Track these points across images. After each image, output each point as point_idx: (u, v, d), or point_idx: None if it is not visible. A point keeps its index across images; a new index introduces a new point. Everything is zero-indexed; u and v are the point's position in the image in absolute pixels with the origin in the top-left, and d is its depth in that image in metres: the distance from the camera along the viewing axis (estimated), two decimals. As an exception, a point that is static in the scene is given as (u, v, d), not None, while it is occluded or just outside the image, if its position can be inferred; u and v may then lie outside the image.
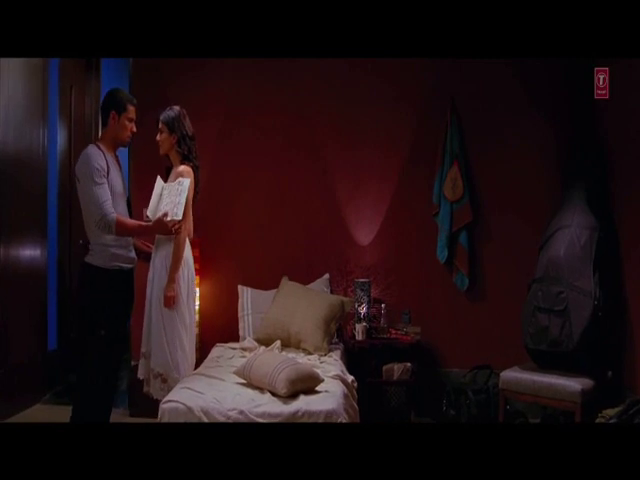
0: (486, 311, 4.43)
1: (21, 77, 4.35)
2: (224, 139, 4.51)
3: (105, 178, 3.24)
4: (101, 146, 3.33)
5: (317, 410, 2.86)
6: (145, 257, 3.65)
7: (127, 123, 3.37)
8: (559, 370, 3.64)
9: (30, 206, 4.49)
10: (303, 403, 2.92)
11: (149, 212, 3.47)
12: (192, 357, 3.56)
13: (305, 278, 4.35)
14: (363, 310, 4.21)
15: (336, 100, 4.51)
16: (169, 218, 3.35)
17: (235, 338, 4.23)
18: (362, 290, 4.24)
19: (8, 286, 4.16)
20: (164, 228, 3.36)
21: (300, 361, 3.41)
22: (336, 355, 3.85)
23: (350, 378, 3.46)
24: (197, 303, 4.18)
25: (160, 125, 3.54)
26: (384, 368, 4.13)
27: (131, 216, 3.48)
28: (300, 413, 2.85)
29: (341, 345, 4.19)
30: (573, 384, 3.48)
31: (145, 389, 3.49)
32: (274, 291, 4.28)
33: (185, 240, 3.49)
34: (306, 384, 3.06)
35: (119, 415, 4.14)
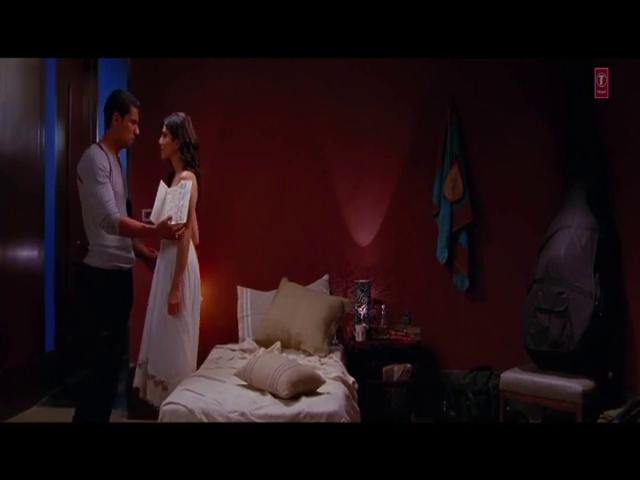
0: (486, 312, 4.42)
1: (18, 77, 4.34)
2: (223, 139, 4.50)
3: (108, 178, 3.22)
4: (104, 147, 3.32)
5: (319, 412, 2.85)
6: (150, 263, 3.64)
7: (130, 125, 3.35)
8: (560, 371, 3.63)
9: (27, 206, 4.47)
10: (305, 405, 2.91)
11: (152, 217, 3.47)
12: (193, 365, 3.54)
13: (304, 279, 4.34)
14: (363, 311, 4.20)
15: (335, 100, 4.50)
16: (173, 222, 3.34)
17: (234, 339, 4.22)
18: (362, 291, 4.23)
19: (5, 287, 4.14)
20: (168, 232, 3.36)
21: (301, 362, 3.39)
22: (336, 356, 3.84)
23: (351, 379, 3.45)
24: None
25: (164, 129, 3.54)
26: (384, 369, 4.12)
27: (131, 218, 3.46)
28: (302, 415, 2.84)
29: (341, 346, 4.19)
30: (574, 385, 3.47)
31: (141, 396, 3.47)
32: (273, 292, 4.27)
33: (189, 245, 3.49)
34: (308, 386, 3.05)
35: (117, 416, 4.13)
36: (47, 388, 4.70)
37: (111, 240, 3.27)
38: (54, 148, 4.94)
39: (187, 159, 3.54)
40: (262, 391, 3.07)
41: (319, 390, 3.09)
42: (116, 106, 3.33)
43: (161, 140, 3.56)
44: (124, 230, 3.25)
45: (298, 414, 2.84)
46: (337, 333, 4.21)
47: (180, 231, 3.38)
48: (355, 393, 3.39)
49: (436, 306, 4.47)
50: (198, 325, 3.65)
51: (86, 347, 3.37)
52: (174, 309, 3.38)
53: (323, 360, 3.73)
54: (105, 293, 3.28)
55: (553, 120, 4.39)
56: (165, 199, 3.48)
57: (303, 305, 4.02)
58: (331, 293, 4.40)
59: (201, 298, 3.69)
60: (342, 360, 3.82)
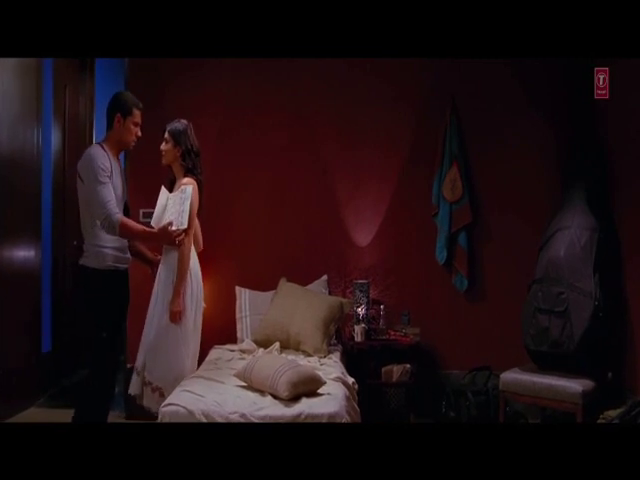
0: (485, 312, 4.42)
1: (15, 76, 4.32)
2: (223, 139, 4.49)
3: (109, 178, 3.21)
4: (105, 147, 3.30)
5: (320, 413, 2.83)
6: (153, 267, 3.63)
7: (132, 127, 3.33)
8: (560, 371, 3.63)
9: (24, 206, 4.45)
10: (305, 406, 2.89)
11: (153, 222, 3.45)
12: (193, 372, 3.52)
13: (303, 279, 4.33)
14: (362, 311, 4.19)
15: (335, 100, 4.50)
16: (174, 227, 3.32)
17: (233, 340, 4.20)
18: (361, 291, 4.22)
19: (2, 287, 4.13)
20: (168, 237, 3.34)
21: (301, 363, 3.38)
22: (335, 357, 3.83)
23: (351, 380, 3.44)
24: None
25: (166, 135, 3.53)
26: (383, 370, 4.11)
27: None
28: (303, 416, 2.82)
29: (340, 347, 4.18)
30: (574, 385, 3.47)
31: (138, 402, 3.45)
32: (272, 292, 4.26)
33: (190, 252, 3.46)
34: (308, 387, 3.03)
35: (115, 418, 4.10)
36: (44, 389, 4.68)
37: (107, 240, 3.25)
38: (51, 148, 4.91)
39: (188, 166, 3.53)
40: (262, 392, 3.06)
41: (319, 391, 3.07)
42: (118, 107, 3.32)
43: (163, 146, 3.55)
44: (124, 231, 3.23)
45: (299, 415, 2.83)
46: (336, 333, 4.20)
47: (180, 237, 3.36)
48: (355, 394, 3.39)
49: (435, 306, 4.46)
50: (200, 332, 3.63)
51: (83, 348, 3.36)
52: (176, 317, 3.36)
53: (322, 361, 3.72)
54: (101, 294, 3.26)
55: (553, 120, 4.39)
56: (166, 205, 3.46)
57: (302, 305, 4.01)
58: (330, 293, 4.39)
59: (204, 304, 3.66)
60: (341, 360, 3.82)
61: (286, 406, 2.90)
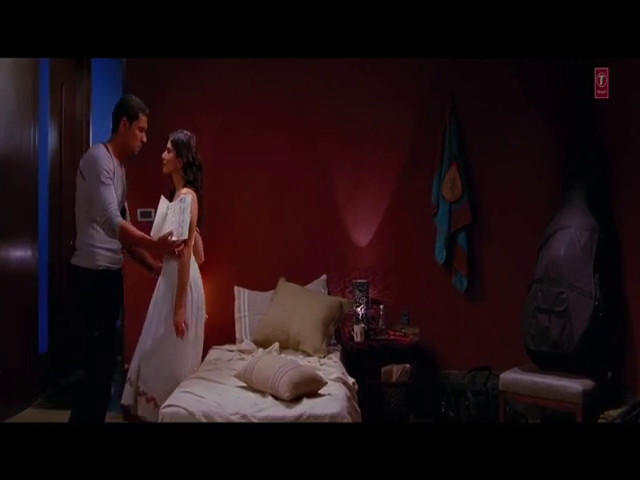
0: (485, 312, 4.42)
1: (11, 75, 4.29)
2: (223, 139, 4.49)
3: (112, 180, 3.19)
4: (110, 149, 3.28)
5: (322, 414, 2.82)
6: (153, 273, 3.61)
7: (137, 132, 3.30)
8: (560, 371, 3.62)
9: (20, 206, 4.42)
10: (307, 407, 2.88)
11: (153, 232, 3.42)
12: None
13: (302, 279, 4.32)
14: (361, 311, 4.19)
15: (335, 100, 4.50)
16: (174, 237, 3.30)
17: (231, 340, 4.19)
18: (360, 291, 4.22)
19: (-2, 287, 4.10)
20: (167, 247, 3.32)
21: (301, 363, 3.37)
22: (335, 357, 3.83)
23: (351, 380, 3.44)
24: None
25: (169, 144, 3.50)
26: (383, 370, 4.11)
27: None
28: (304, 417, 2.81)
29: (339, 347, 4.17)
30: (574, 385, 3.47)
31: (132, 412, 3.42)
32: (271, 292, 4.26)
33: (190, 263, 3.43)
34: (309, 387, 3.02)
35: (112, 418, 4.04)
36: (41, 390, 4.65)
37: (100, 241, 3.22)
38: (47, 147, 4.88)
39: (189, 178, 3.50)
40: (263, 393, 3.04)
41: (320, 392, 3.06)
42: (124, 111, 3.29)
43: (165, 155, 3.52)
44: (124, 236, 3.21)
45: (300, 416, 2.81)
46: (335, 333, 4.20)
47: (180, 247, 3.33)
48: (355, 394, 3.38)
49: (435, 306, 4.46)
50: (202, 343, 3.61)
51: (77, 348, 3.34)
52: (180, 328, 3.33)
53: (322, 361, 3.72)
54: (93, 294, 3.22)
55: (553, 120, 4.39)
56: (166, 214, 3.44)
57: (302, 305, 4.01)
58: (329, 293, 4.39)
59: (205, 315, 3.64)
60: (341, 360, 3.81)
61: (287, 407, 2.89)
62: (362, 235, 4.51)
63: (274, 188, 4.52)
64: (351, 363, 3.98)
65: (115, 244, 3.29)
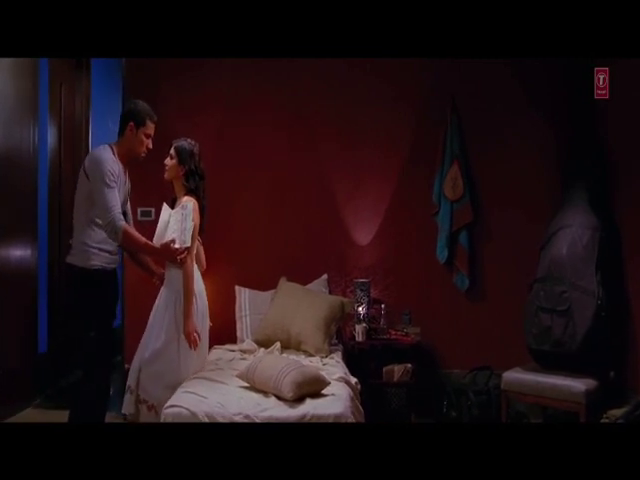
0: (486, 311, 4.42)
1: (10, 74, 4.29)
2: (223, 139, 4.48)
3: (116, 184, 3.18)
4: (115, 152, 3.27)
5: (325, 414, 2.81)
6: (156, 279, 3.59)
7: (144, 138, 3.30)
8: (562, 370, 3.62)
9: (20, 205, 4.41)
10: (310, 407, 2.87)
11: (155, 240, 3.39)
12: None
13: (303, 278, 4.32)
14: (363, 311, 4.19)
15: (335, 100, 4.50)
16: (177, 245, 3.28)
17: (232, 340, 4.19)
18: (362, 290, 4.22)
19: (-3, 287, 4.09)
20: (170, 254, 3.29)
21: (304, 363, 3.35)
22: (337, 357, 3.82)
23: (353, 380, 3.43)
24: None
25: (172, 151, 3.47)
26: (384, 369, 4.11)
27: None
28: (308, 417, 2.80)
29: (340, 346, 4.17)
30: (577, 385, 3.47)
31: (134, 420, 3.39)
32: (272, 292, 4.26)
33: (193, 271, 3.39)
34: (313, 387, 3.01)
35: (112, 419, 4.04)
36: (40, 390, 4.63)
37: (96, 241, 3.20)
38: (47, 146, 4.87)
39: (190, 187, 3.44)
40: (265, 393, 3.03)
41: (323, 392, 3.05)
42: (132, 116, 3.29)
43: (167, 161, 3.47)
44: (126, 240, 3.20)
45: (304, 416, 2.80)
46: (336, 333, 4.20)
47: (183, 255, 3.31)
48: (358, 394, 3.37)
49: (436, 306, 4.46)
50: (206, 350, 3.58)
51: (75, 348, 3.32)
52: (191, 338, 3.28)
53: (325, 361, 3.71)
54: (88, 293, 3.21)
55: (553, 120, 4.39)
56: (168, 221, 3.41)
57: (303, 305, 4.00)
58: (330, 293, 4.39)
59: (210, 323, 3.61)
60: (343, 360, 3.81)
61: (291, 407, 2.88)
62: (363, 235, 4.51)
63: (274, 188, 4.52)
64: (352, 363, 3.97)
65: (111, 245, 3.27)
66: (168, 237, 3.33)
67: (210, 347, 4.03)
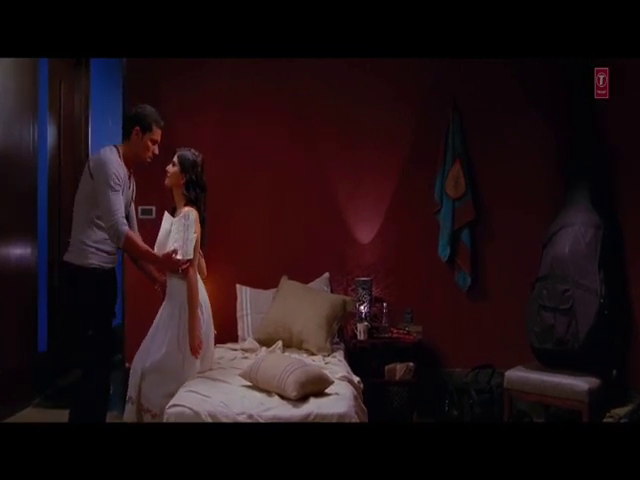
0: (488, 310, 4.42)
1: (10, 73, 4.28)
2: (223, 139, 4.48)
3: (120, 187, 3.16)
4: (121, 155, 3.24)
5: (329, 413, 2.80)
6: (157, 286, 3.56)
7: (149, 144, 3.28)
8: (565, 369, 3.62)
9: (19, 204, 4.40)
10: (314, 406, 2.86)
11: (156, 248, 3.34)
12: None
13: (304, 277, 4.32)
14: (364, 309, 4.19)
15: (335, 100, 4.50)
16: (179, 256, 3.23)
17: (233, 339, 4.19)
18: (363, 289, 4.23)
19: (-3, 286, 4.08)
20: (171, 264, 3.25)
21: (307, 362, 3.33)
22: (339, 355, 3.82)
23: (356, 379, 3.43)
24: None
25: (175, 159, 3.41)
26: (386, 368, 4.11)
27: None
28: (312, 416, 2.79)
29: (342, 345, 4.17)
30: (580, 383, 3.47)
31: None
32: (273, 290, 4.26)
33: (196, 281, 3.34)
34: (316, 386, 3.00)
35: (112, 418, 4.00)
36: (40, 389, 4.62)
37: (94, 240, 3.19)
38: (46, 145, 4.86)
39: (190, 197, 3.37)
40: (268, 392, 3.02)
41: (327, 391, 3.04)
42: (138, 121, 3.26)
43: (169, 167, 3.42)
44: (128, 245, 3.18)
45: (308, 415, 2.79)
46: (338, 332, 4.19)
47: (185, 266, 3.26)
48: (361, 393, 3.37)
49: (438, 304, 4.47)
50: (212, 359, 3.54)
51: (74, 347, 3.31)
52: (196, 350, 3.25)
53: (327, 359, 3.71)
54: (86, 291, 3.19)
55: (553, 120, 4.40)
56: (170, 230, 3.35)
57: (304, 303, 4.00)
58: (332, 291, 4.40)
59: (215, 332, 3.57)
60: (345, 359, 3.81)
61: (294, 406, 2.87)
62: (364, 234, 4.52)
63: (274, 188, 4.52)
64: (354, 361, 3.97)
65: (110, 245, 3.25)
66: (170, 246, 3.28)
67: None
